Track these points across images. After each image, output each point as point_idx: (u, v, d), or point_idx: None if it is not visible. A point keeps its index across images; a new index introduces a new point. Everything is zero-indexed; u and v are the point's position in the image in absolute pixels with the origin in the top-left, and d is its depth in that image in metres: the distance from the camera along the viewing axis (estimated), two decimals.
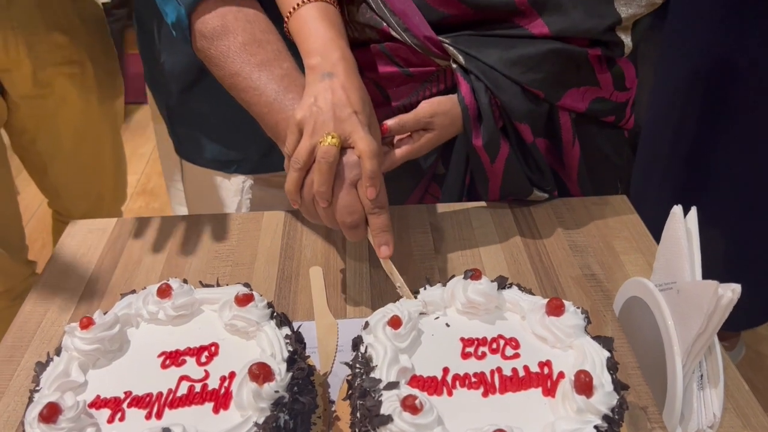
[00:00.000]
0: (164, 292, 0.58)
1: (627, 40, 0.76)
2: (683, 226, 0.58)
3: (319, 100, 0.64)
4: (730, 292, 0.49)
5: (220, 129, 1.02)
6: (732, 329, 1.67)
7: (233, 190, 1.06)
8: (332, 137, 0.63)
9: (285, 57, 0.72)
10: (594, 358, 0.52)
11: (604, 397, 0.48)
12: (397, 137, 0.72)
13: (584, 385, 0.47)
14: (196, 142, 1.05)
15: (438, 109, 0.73)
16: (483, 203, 0.84)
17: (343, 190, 0.63)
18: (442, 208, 0.84)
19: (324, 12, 0.70)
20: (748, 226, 1.37)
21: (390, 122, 0.70)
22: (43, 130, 1.17)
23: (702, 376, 0.55)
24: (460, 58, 0.75)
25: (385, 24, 0.77)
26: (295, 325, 0.58)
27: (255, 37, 0.72)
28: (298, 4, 0.70)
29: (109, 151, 1.29)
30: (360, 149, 0.63)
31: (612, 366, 0.52)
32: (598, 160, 0.86)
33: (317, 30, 0.68)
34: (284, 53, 0.72)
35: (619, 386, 0.50)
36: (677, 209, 0.59)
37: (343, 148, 0.63)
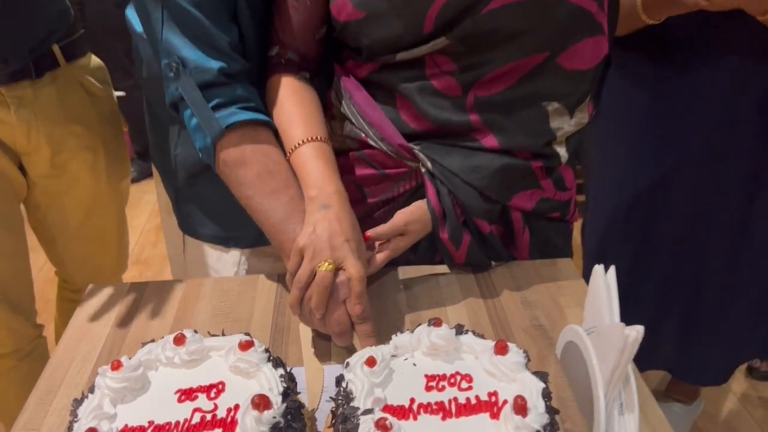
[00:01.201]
0: (179, 340, 0.69)
1: (562, 151, 0.92)
2: (604, 281, 0.71)
3: (317, 229, 0.79)
4: (635, 332, 0.62)
5: (222, 210, 1.13)
6: (691, 382, 1.75)
7: (231, 262, 1.18)
8: (328, 263, 0.77)
9: (291, 184, 0.86)
10: (531, 388, 0.63)
11: (537, 417, 0.59)
12: (377, 242, 0.86)
13: (520, 407, 0.59)
14: (199, 220, 1.16)
15: (410, 218, 0.88)
16: (451, 271, 0.97)
17: (334, 306, 0.78)
18: (414, 270, 0.96)
19: (319, 151, 0.86)
20: (702, 297, 1.50)
21: (370, 232, 0.85)
22: (54, 206, 1.29)
23: (621, 404, 0.66)
24: (428, 164, 0.90)
25: (363, 135, 0.93)
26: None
27: (267, 167, 0.86)
28: (298, 144, 0.86)
29: (114, 227, 1.41)
30: (350, 273, 0.77)
31: (546, 394, 0.63)
32: (549, 248, 1.00)
33: (314, 167, 0.84)
34: (291, 181, 0.86)
35: (552, 410, 0.62)
36: (599, 268, 0.72)
37: (337, 269, 0.78)
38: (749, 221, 1.41)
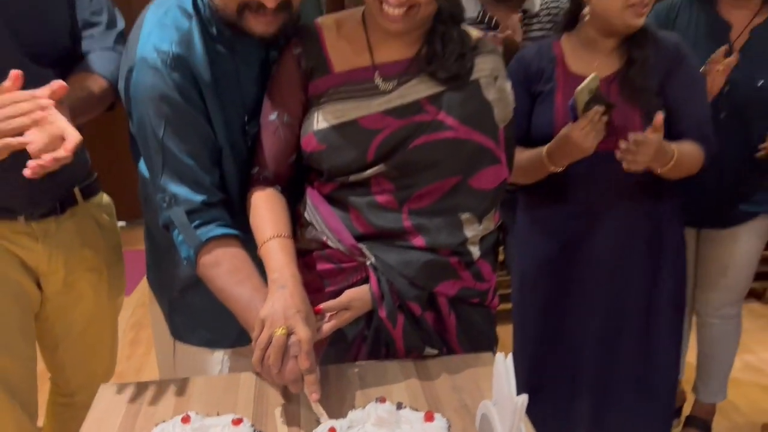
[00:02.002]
0: (186, 420, 0.90)
1: (475, 250, 1.18)
2: (504, 365, 0.94)
3: (275, 304, 1.03)
4: (522, 399, 0.85)
5: (208, 317, 1.34)
6: None
7: (215, 361, 1.38)
8: (282, 329, 1.00)
9: (254, 276, 1.11)
10: None
11: None
12: (328, 314, 1.11)
13: None
14: (189, 327, 1.37)
15: (354, 296, 1.14)
16: (395, 361, 1.19)
17: (287, 361, 1.00)
18: (367, 365, 1.18)
19: (283, 244, 1.12)
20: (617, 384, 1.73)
21: (321, 306, 1.10)
22: (61, 319, 1.48)
23: None
24: (372, 259, 1.16)
25: (325, 238, 1.19)
26: None
27: (235, 265, 1.12)
28: (267, 239, 1.12)
29: (109, 336, 1.59)
30: (300, 336, 1.00)
31: None
32: (474, 331, 1.23)
33: (277, 257, 1.10)
34: (253, 274, 1.11)
35: None
36: (500, 355, 0.95)
37: (289, 334, 1.00)
38: (650, 328, 1.67)
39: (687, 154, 1.52)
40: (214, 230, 1.13)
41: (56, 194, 1.35)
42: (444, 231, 1.16)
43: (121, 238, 1.57)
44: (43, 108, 0.94)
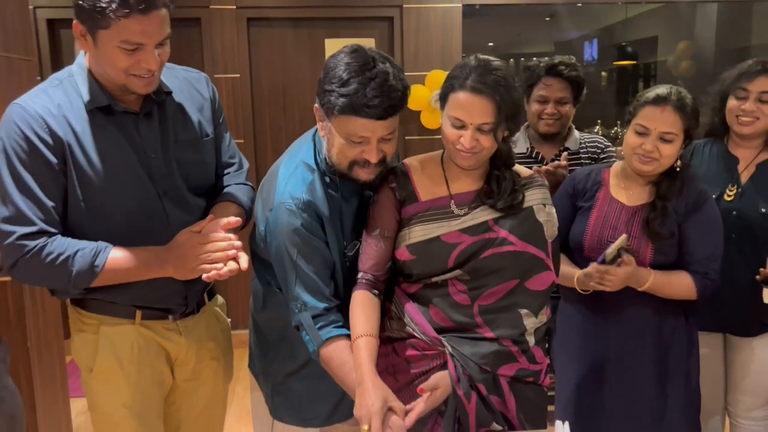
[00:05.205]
0: None
1: (531, 339, 1.44)
2: (562, 429, 1.17)
3: (359, 407, 1.30)
4: None
5: (305, 400, 1.60)
6: None
7: None
8: (366, 427, 1.25)
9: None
10: None
11: None
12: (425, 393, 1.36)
13: None
14: (287, 408, 1.62)
15: (440, 378, 1.40)
16: None
17: None
18: None
19: (367, 344, 1.38)
20: None
21: (422, 386, 1.36)
22: (186, 402, 1.72)
23: None
24: (450, 349, 1.41)
25: (411, 330, 1.46)
26: None
27: (345, 359, 1.39)
28: (357, 336, 1.39)
29: (219, 417, 1.83)
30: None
31: None
32: (530, 405, 1.45)
33: (361, 354, 1.37)
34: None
35: None
36: (558, 422, 1.19)
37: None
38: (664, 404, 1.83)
39: (669, 284, 1.75)
40: (332, 331, 1.43)
41: (197, 297, 1.67)
42: (507, 324, 1.43)
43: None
44: (236, 248, 1.32)
